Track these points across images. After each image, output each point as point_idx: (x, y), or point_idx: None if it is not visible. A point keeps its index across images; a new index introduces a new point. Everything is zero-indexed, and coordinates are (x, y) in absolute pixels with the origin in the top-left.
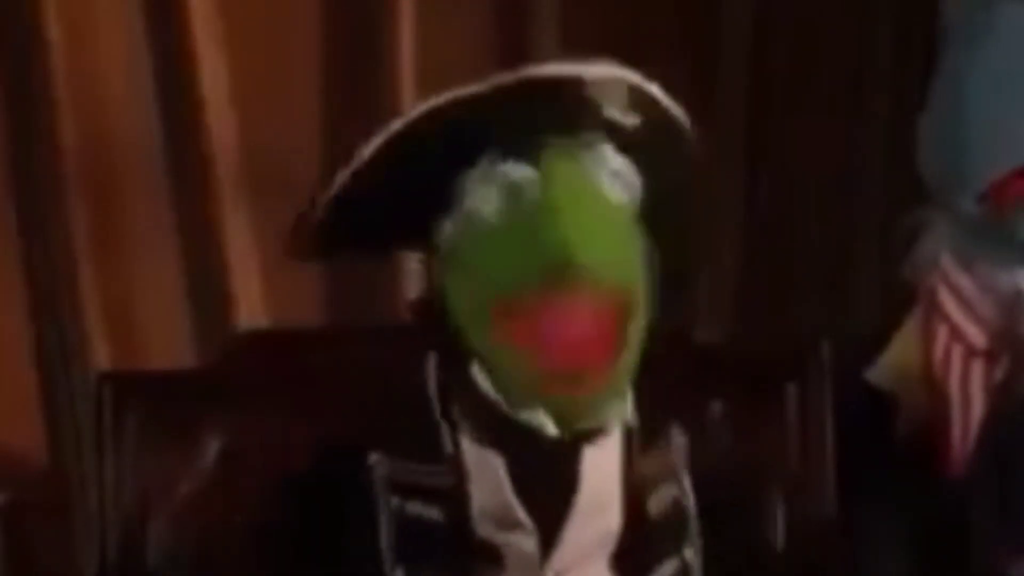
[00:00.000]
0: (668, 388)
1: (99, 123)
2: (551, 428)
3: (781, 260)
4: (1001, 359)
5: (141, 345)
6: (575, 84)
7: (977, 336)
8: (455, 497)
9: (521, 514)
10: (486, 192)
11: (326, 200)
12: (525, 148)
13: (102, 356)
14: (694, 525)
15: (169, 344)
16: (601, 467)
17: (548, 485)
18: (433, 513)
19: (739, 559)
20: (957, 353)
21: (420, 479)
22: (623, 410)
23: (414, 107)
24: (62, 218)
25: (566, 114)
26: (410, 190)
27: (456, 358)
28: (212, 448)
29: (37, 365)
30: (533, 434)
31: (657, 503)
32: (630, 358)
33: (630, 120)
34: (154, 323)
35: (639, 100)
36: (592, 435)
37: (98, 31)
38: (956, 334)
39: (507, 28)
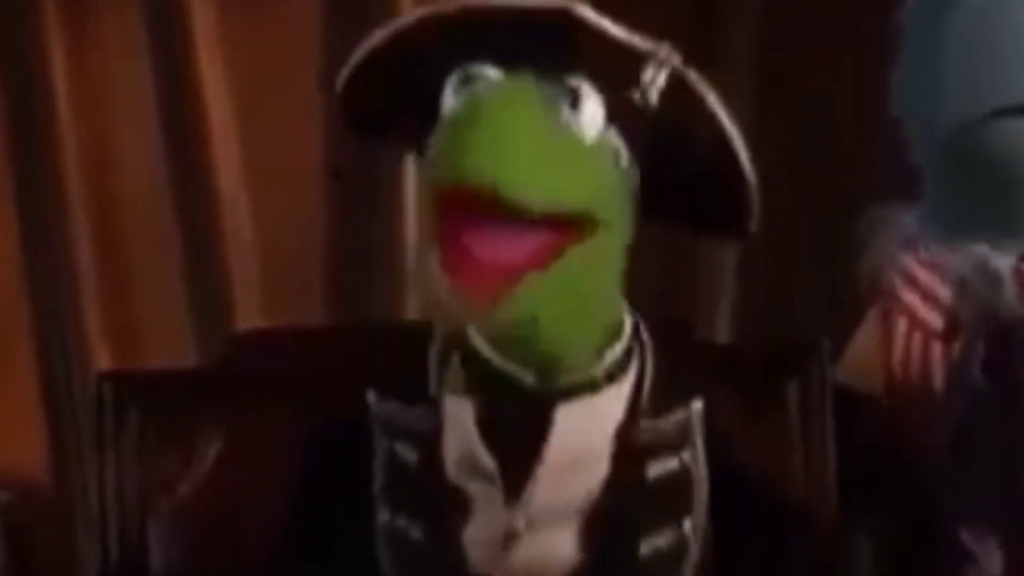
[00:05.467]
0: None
1: (101, 129)
2: (528, 378)
3: (782, 259)
4: (956, 340)
5: (141, 345)
6: (609, 46)
7: (936, 320)
8: (430, 441)
9: (486, 461)
10: (448, 92)
11: (354, 65)
12: (508, 62)
13: (102, 356)
14: (701, 497)
15: (169, 344)
16: (582, 425)
17: (517, 436)
18: (411, 455)
19: (739, 559)
20: (917, 341)
21: (405, 421)
22: (591, 364)
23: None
24: (64, 220)
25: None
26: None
27: None
28: (212, 448)
29: (38, 365)
30: (508, 383)
31: (659, 470)
32: (569, 275)
33: (651, 98)
34: (154, 323)
35: (673, 83)
36: (570, 390)
37: (100, 48)
38: (915, 323)
39: None
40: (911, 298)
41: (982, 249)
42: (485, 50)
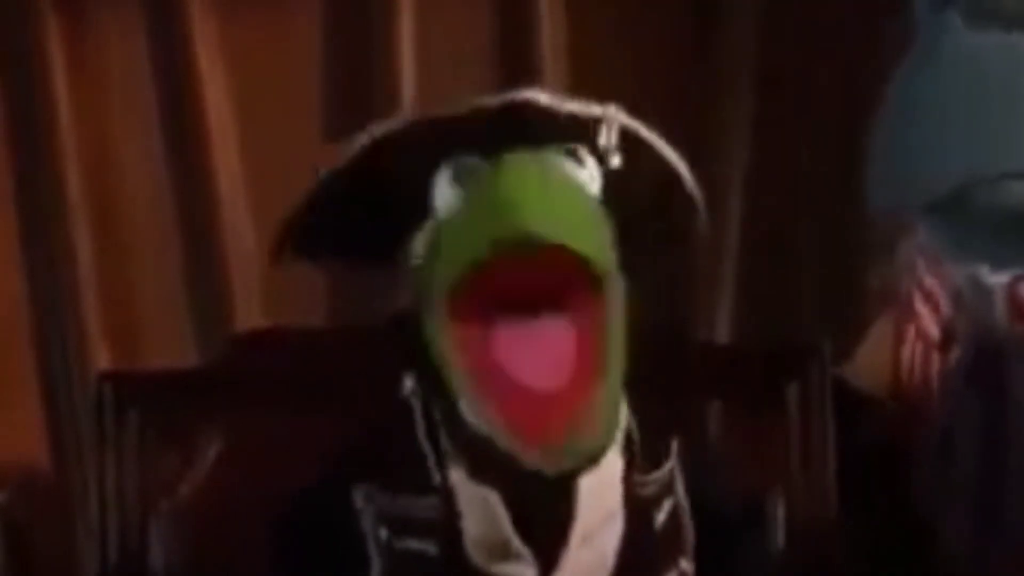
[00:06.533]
0: (668, 388)
1: (101, 129)
2: (548, 468)
3: (782, 260)
4: (951, 351)
5: (141, 345)
6: (553, 115)
7: (934, 330)
8: (447, 530)
9: (519, 546)
10: (442, 186)
11: (304, 201)
12: (489, 151)
13: (102, 356)
14: (690, 534)
15: (169, 344)
16: (599, 490)
17: (545, 517)
18: (426, 546)
19: (739, 560)
20: (919, 350)
21: (410, 512)
22: (615, 436)
23: (395, 118)
24: (64, 220)
25: (544, 137)
26: (391, 201)
27: (442, 389)
28: (212, 448)
29: (38, 365)
30: (527, 473)
31: (661, 517)
32: (614, 383)
33: (613, 159)
34: (154, 323)
35: (630, 143)
36: (588, 466)
37: (100, 49)
38: (920, 332)
39: (508, 23)
40: (921, 308)
41: (980, 265)
42: (446, 150)
